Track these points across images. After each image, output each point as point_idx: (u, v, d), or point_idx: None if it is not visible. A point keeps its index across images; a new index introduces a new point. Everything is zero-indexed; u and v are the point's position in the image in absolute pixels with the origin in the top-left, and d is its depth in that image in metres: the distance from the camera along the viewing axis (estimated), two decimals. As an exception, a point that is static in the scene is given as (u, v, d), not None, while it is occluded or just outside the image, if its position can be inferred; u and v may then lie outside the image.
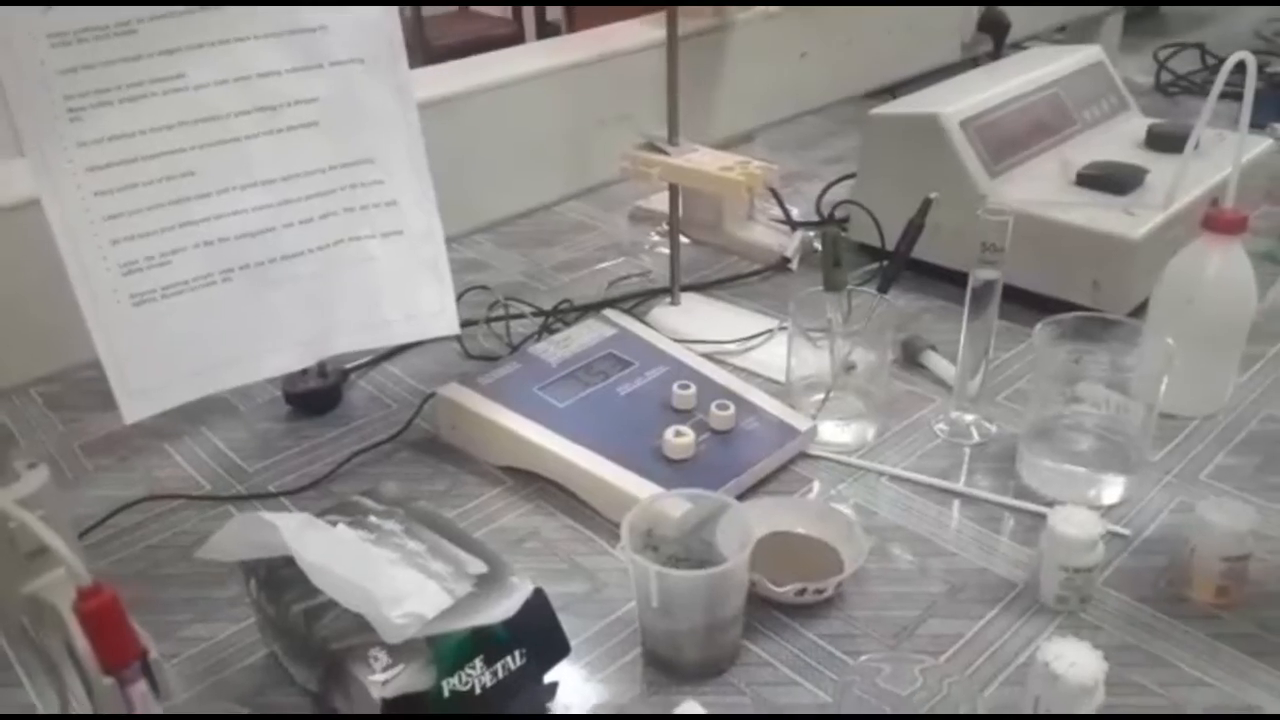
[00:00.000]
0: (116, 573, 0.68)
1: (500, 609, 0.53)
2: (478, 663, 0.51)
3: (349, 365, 0.90)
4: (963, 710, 0.53)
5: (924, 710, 0.55)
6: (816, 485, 0.76)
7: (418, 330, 0.73)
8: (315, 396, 0.86)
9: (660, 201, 1.15)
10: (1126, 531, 0.69)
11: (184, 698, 0.58)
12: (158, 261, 0.59)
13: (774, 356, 0.88)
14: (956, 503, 0.73)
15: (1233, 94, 0.78)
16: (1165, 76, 1.57)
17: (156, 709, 0.38)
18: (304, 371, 0.86)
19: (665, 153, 0.88)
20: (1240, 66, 0.76)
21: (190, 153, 0.58)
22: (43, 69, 0.53)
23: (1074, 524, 0.61)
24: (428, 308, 0.71)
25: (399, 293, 0.69)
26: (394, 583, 0.53)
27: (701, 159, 0.88)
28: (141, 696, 0.37)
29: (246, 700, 0.59)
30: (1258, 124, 1.27)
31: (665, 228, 1.14)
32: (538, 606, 0.54)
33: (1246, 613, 0.62)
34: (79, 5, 0.53)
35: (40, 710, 0.58)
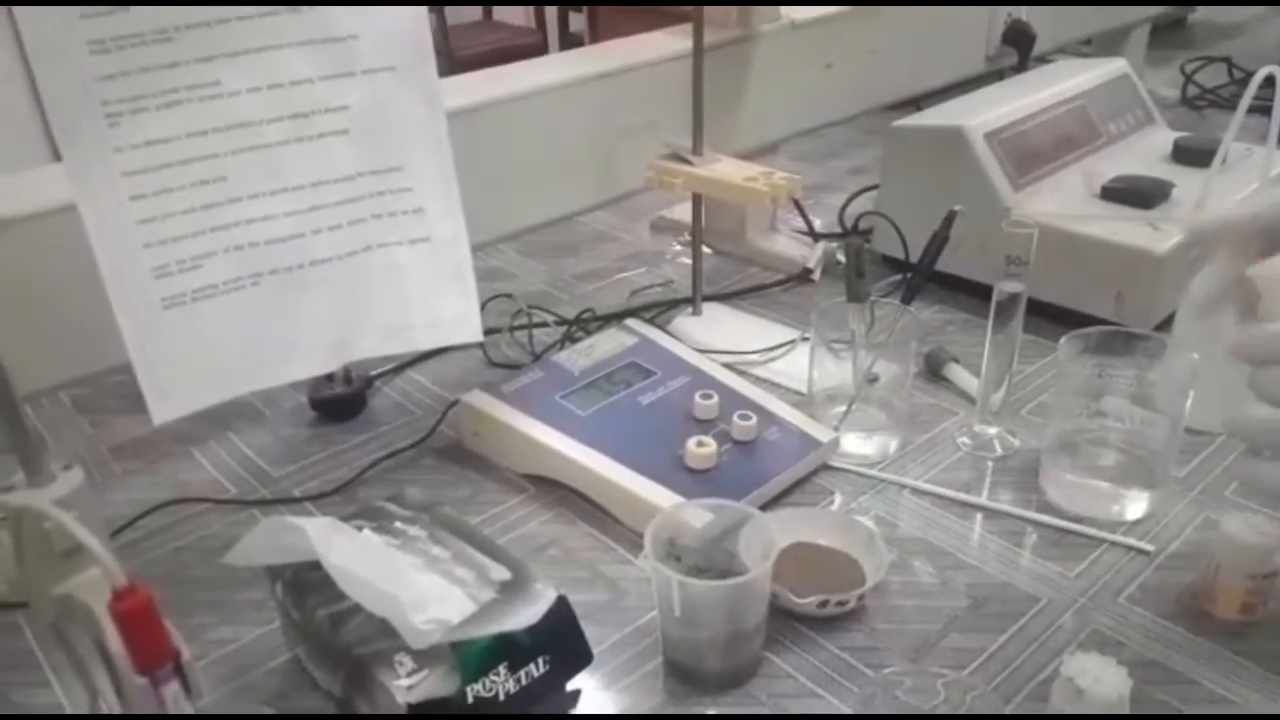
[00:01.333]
0: (143, 575, 0.69)
1: (524, 616, 0.53)
2: (501, 669, 0.52)
3: (374, 372, 0.91)
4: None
5: (946, 724, 0.55)
6: (838, 497, 0.76)
7: (442, 337, 0.74)
8: (340, 403, 0.87)
9: (682, 211, 1.16)
10: (1150, 548, 0.69)
11: (209, 699, 0.59)
12: (189, 265, 0.60)
13: (795, 367, 0.88)
14: (979, 516, 0.73)
15: (1261, 108, 0.78)
16: (1192, 90, 1.57)
17: (189, 709, 0.38)
18: (329, 378, 0.87)
19: (689, 163, 0.89)
20: (1270, 80, 0.76)
21: (223, 158, 0.59)
22: (82, 75, 0.54)
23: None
24: (452, 314, 0.71)
25: (424, 299, 0.70)
26: (418, 588, 0.53)
27: (725, 169, 0.88)
28: (174, 697, 0.38)
29: (270, 703, 0.59)
30: (1285, 138, 1.26)
31: (687, 238, 1.15)
32: (561, 614, 0.54)
33: (1272, 630, 0.62)
34: (118, 5, 0.54)
35: (68, 710, 0.58)
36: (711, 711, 0.56)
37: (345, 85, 0.62)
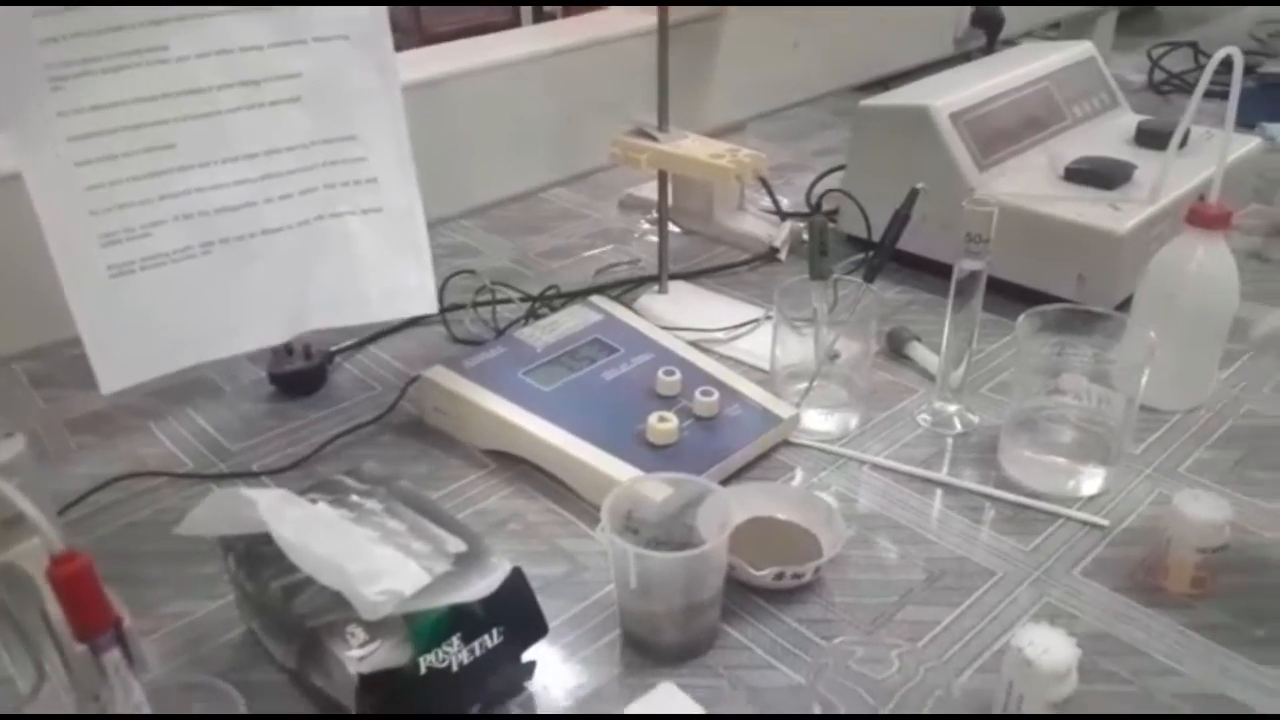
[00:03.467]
0: (97, 549, 0.68)
1: (478, 588, 0.53)
2: (455, 640, 0.51)
3: (334, 348, 0.90)
4: (937, 694, 0.53)
5: (898, 695, 0.55)
6: (799, 473, 0.76)
7: (396, 308, 0.73)
8: (300, 378, 0.86)
9: (650, 190, 1.16)
10: (1105, 522, 0.69)
11: (161, 671, 0.58)
12: (137, 233, 0.59)
13: (760, 345, 0.89)
14: (938, 492, 0.74)
15: (1224, 93, 0.79)
16: (1158, 75, 1.58)
17: (131, 679, 0.38)
18: (289, 353, 0.86)
19: (655, 139, 0.88)
20: (1230, 64, 0.76)
21: (171, 125, 0.58)
22: (25, 38, 0.53)
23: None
24: (407, 286, 0.71)
25: (378, 270, 0.69)
26: (372, 560, 0.53)
27: (691, 146, 0.88)
28: (115, 664, 0.37)
29: (224, 676, 0.58)
30: (1248, 123, 1.27)
31: (655, 216, 1.14)
32: (516, 586, 0.54)
33: (1220, 603, 0.63)
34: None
35: (18, 682, 0.58)
36: (667, 682, 0.57)
37: (297, 52, 0.61)
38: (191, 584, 0.65)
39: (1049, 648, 0.51)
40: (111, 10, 0.54)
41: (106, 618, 0.36)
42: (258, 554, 0.56)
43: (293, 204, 0.63)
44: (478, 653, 0.52)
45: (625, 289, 1.00)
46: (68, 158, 0.56)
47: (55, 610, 0.37)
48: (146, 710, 0.39)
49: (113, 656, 0.37)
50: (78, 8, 0.53)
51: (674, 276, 1.00)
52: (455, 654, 0.51)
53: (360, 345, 0.92)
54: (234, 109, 0.60)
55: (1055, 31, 1.64)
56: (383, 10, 0.63)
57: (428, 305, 0.73)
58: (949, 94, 1.00)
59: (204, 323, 0.64)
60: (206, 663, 0.60)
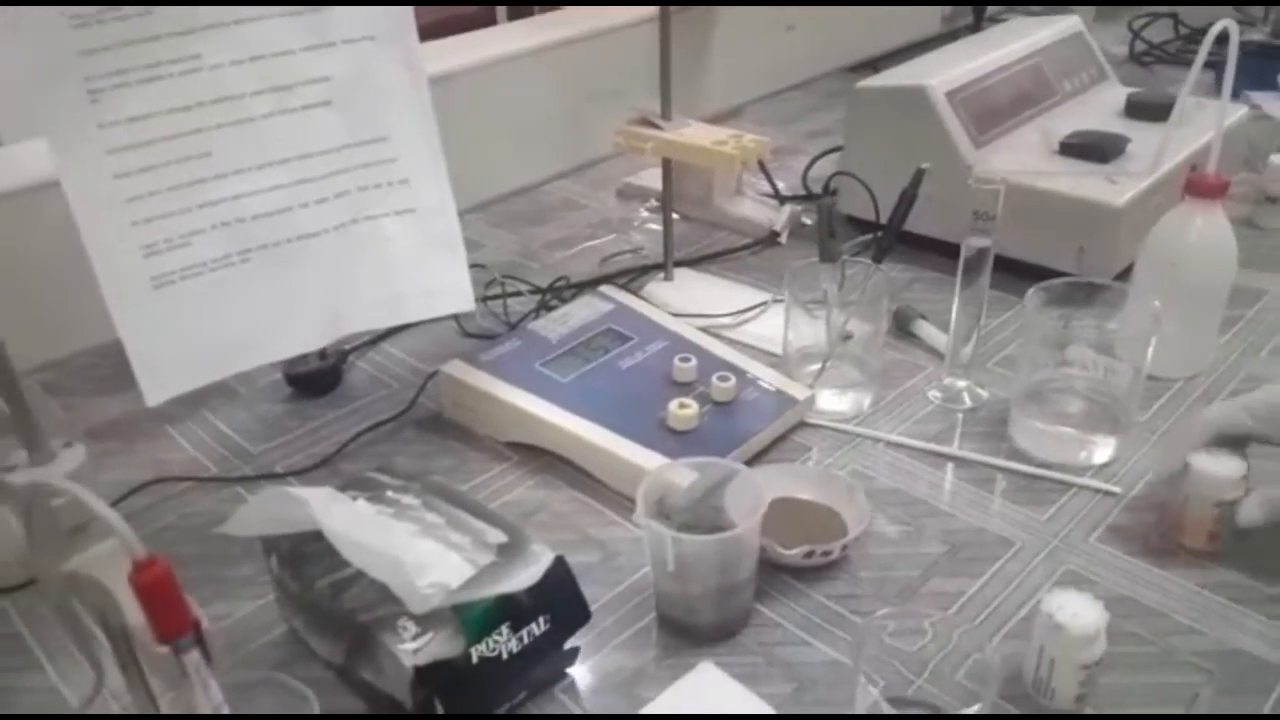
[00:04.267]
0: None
1: (523, 577, 0.54)
2: (504, 629, 0.53)
3: (348, 346, 0.91)
4: (974, 658, 0.55)
5: (933, 662, 0.57)
6: (815, 453, 0.77)
7: (434, 307, 0.74)
8: (316, 378, 0.87)
9: (649, 178, 1.17)
10: (1117, 489, 0.71)
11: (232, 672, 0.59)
12: (177, 243, 0.59)
13: (767, 329, 0.90)
14: (951, 466, 0.76)
15: (1208, 63, 0.80)
16: (1139, 46, 1.60)
17: (209, 677, 0.39)
18: (304, 353, 0.86)
19: (658, 128, 0.89)
20: (1222, 35, 0.78)
21: (207, 133, 0.59)
22: (64, 51, 0.53)
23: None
24: (443, 284, 0.72)
25: (414, 270, 0.70)
26: (417, 553, 0.54)
27: (694, 134, 0.89)
28: (195, 664, 0.38)
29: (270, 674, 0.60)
30: (1234, 92, 1.29)
31: (655, 204, 1.15)
32: (559, 574, 0.55)
33: (1233, 562, 0.65)
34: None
35: (62, 691, 0.59)
36: (705, 661, 0.58)
37: (326, 55, 0.61)
38: (228, 586, 0.66)
39: (1078, 611, 0.53)
40: (146, 21, 0.54)
41: (188, 619, 0.37)
42: (302, 553, 0.57)
43: (327, 208, 0.64)
44: (526, 641, 0.54)
45: (631, 277, 1.01)
46: (108, 170, 0.56)
47: (134, 614, 0.38)
48: (226, 709, 0.40)
49: (193, 657, 0.38)
50: (114, 20, 0.53)
51: (678, 263, 1.01)
52: (505, 643, 0.53)
53: (373, 343, 0.93)
54: (267, 115, 0.60)
55: (1039, 7, 1.65)
56: (408, 9, 0.64)
57: (465, 303, 0.73)
58: (944, 72, 1.01)
59: (245, 330, 0.64)
60: (251, 662, 0.61)
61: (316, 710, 0.48)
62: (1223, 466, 0.64)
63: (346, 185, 0.64)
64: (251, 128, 0.60)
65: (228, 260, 0.61)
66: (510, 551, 0.56)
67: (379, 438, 0.81)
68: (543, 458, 0.77)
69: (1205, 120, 1.02)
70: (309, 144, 0.62)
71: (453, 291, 0.72)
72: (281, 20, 0.59)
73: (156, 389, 0.61)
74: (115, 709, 0.57)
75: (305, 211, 0.63)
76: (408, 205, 0.67)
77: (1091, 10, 1.67)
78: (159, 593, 0.36)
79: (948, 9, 1.36)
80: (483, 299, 0.97)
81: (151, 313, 0.60)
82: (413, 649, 0.51)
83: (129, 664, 0.46)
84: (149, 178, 0.57)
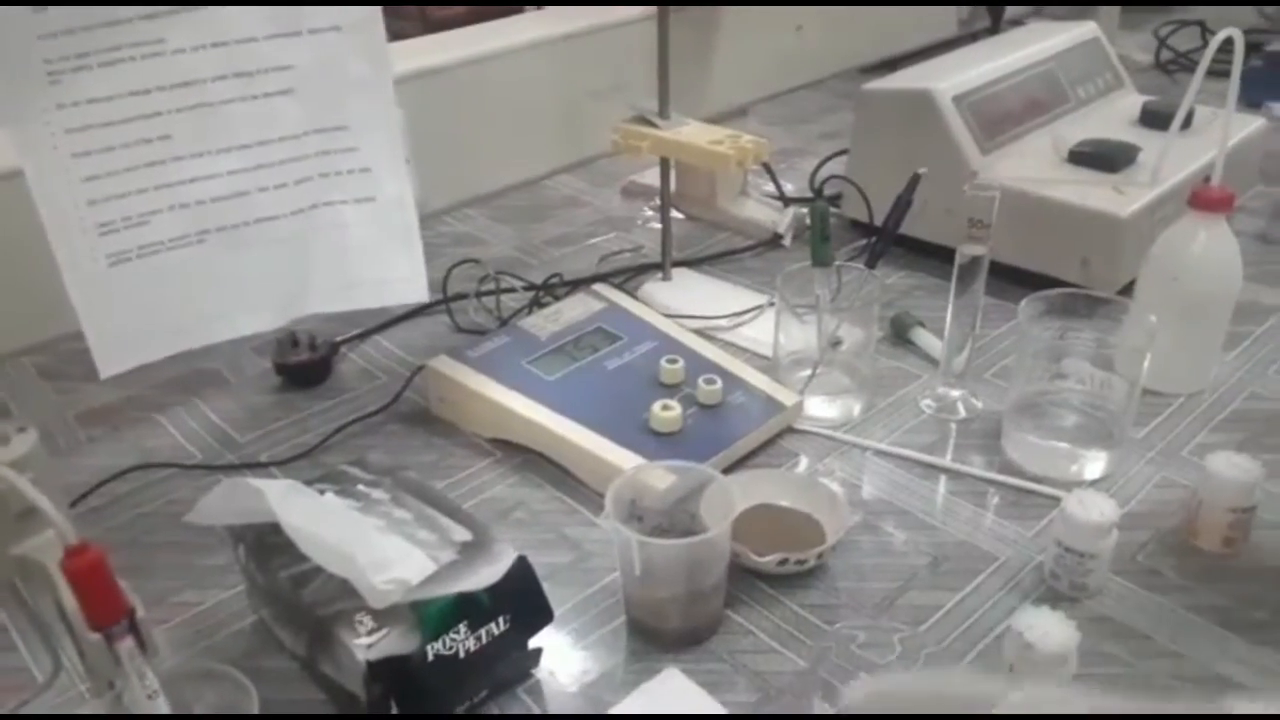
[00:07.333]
0: (108, 540, 0.69)
1: (484, 575, 0.53)
2: (461, 628, 0.52)
3: (339, 338, 0.91)
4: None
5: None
6: (803, 460, 0.76)
7: (388, 296, 0.75)
8: (305, 369, 0.86)
9: (653, 177, 1.16)
10: (1107, 506, 0.70)
11: (174, 660, 0.59)
12: (134, 222, 0.60)
13: (763, 332, 0.89)
14: (942, 477, 0.74)
15: (1227, 71, 0.78)
16: (1165, 54, 1.57)
17: (145, 666, 0.39)
18: (294, 344, 0.86)
19: (656, 126, 0.88)
20: (1232, 43, 0.76)
21: (167, 116, 0.59)
22: (23, 32, 0.53)
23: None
24: (398, 274, 0.72)
25: (370, 258, 0.70)
26: (380, 549, 0.53)
27: (692, 133, 0.88)
28: (129, 652, 0.38)
29: (236, 664, 0.59)
30: (1254, 102, 1.27)
31: (657, 203, 1.14)
32: (521, 573, 0.55)
33: (1219, 587, 0.63)
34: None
35: (34, 670, 0.59)
36: (672, 667, 0.57)
37: (291, 44, 0.61)
38: (202, 574, 0.66)
39: (1049, 631, 0.52)
40: (109, 5, 0.54)
41: (119, 607, 0.37)
42: (267, 544, 0.57)
43: (286, 193, 0.64)
44: (484, 640, 0.53)
45: (628, 276, 1.01)
46: (66, 149, 0.57)
47: (69, 600, 0.38)
48: (161, 697, 0.40)
49: (126, 645, 0.38)
50: (75, 4, 0.53)
51: (677, 263, 1.00)
52: (462, 641, 0.52)
53: (365, 335, 0.93)
54: (228, 100, 0.61)
55: (1062, 10, 1.63)
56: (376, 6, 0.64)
57: (418, 294, 0.74)
58: (952, 76, 1.00)
59: (199, 309, 0.65)
60: (218, 651, 0.61)
61: (256, 704, 0.47)
62: (1238, 470, 0.63)
63: (306, 171, 0.65)
64: (212, 112, 0.60)
65: (185, 240, 0.62)
66: (473, 550, 0.55)
67: (363, 430, 0.80)
68: (525, 455, 0.76)
69: (1219, 131, 1.00)
70: (269, 130, 0.63)
71: (408, 282, 0.73)
72: (247, 8, 0.59)
73: (110, 362, 0.62)
74: (81, 689, 0.57)
75: (264, 195, 0.64)
76: (367, 194, 0.67)
77: (1116, 17, 1.64)
78: (89, 579, 0.36)
79: (965, 12, 1.34)
80: (477, 294, 0.96)
81: (106, 288, 0.61)
82: (367, 644, 0.50)
83: (82, 647, 0.46)
84: (107, 158, 0.58)
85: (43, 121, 0.56)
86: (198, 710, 0.47)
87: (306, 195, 0.66)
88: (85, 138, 0.57)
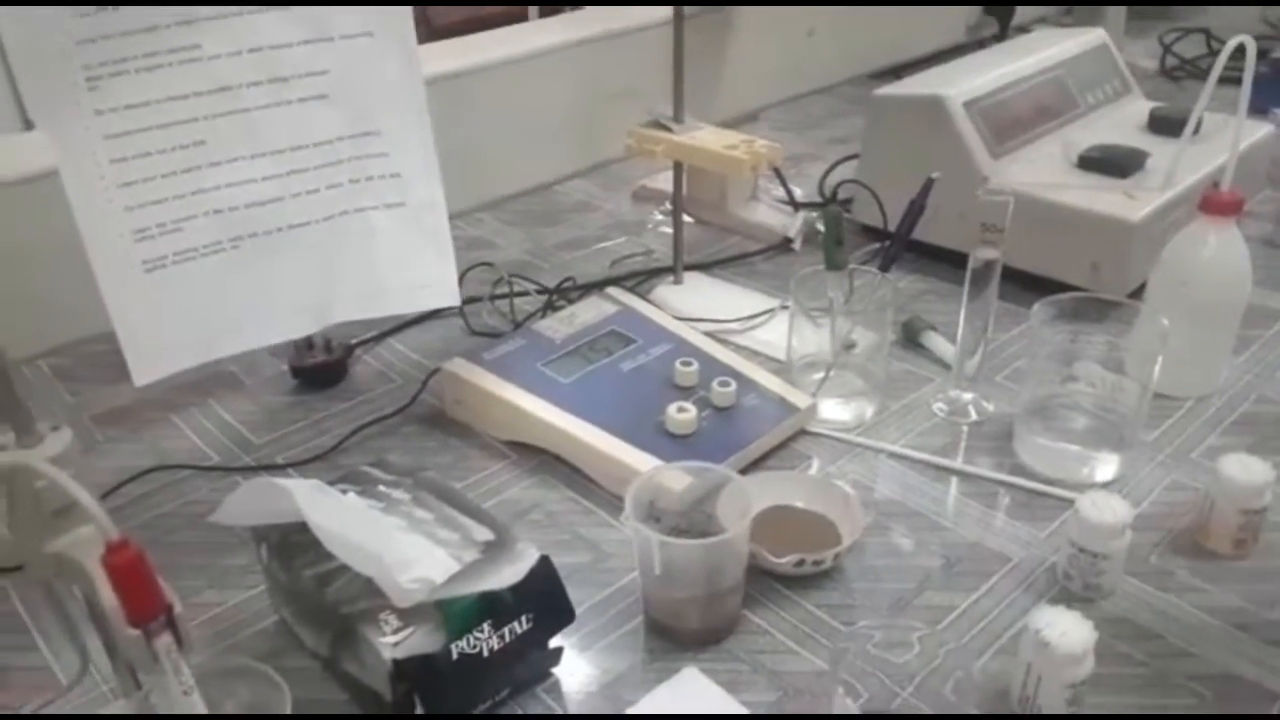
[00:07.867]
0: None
1: (507, 575, 0.54)
2: (485, 627, 0.53)
3: (354, 340, 0.91)
4: (957, 675, 0.54)
5: (919, 676, 0.56)
6: (816, 462, 0.77)
7: (418, 301, 0.74)
8: (321, 371, 0.87)
9: (664, 181, 1.16)
10: (1119, 508, 0.70)
11: (197, 659, 0.59)
12: (169, 228, 0.60)
13: (775, 335, 0.89)
14: (954, 480, 0.75)
15: (1238, 78, 0.79)
16: (1170, 61, 1.58)
17: (181, 662, 0.39)
18: (310, 346, 0.87)
19: (670, 130, 0.89)
20: (1243, 50, 0.77)
21: (202, 122, 0.60)
22: (63, 38, 0.54)
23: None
24: (428, 279, 0.72)
25: (401, 263, 0.70)
26: (404, 548, 0.54)
27: (706, 137, 0.89)
28: (166, 648, 0.38)
29: (259, 662, 0.60)
30: (1260, 109, 1.27)
31: (669, 207, 1.15)
32: (544, 573, 0.55)
33: (1232, 587, 0.64)
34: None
35: (56, 670, 0.59)
36: (690, 667, 0.58)
37: (324, 50, 0.62)
38: (222, 574, 0.67)
39: (1066, 630, 0.52)
40: (146, 12, 0.55)
41: (160, 603, 0.38)
42: (291, 544, 0.57)
43: (318, 199, 0.65)
44: (507, 639, 0.53)
45: (640, 280, 1.01)
46: (104, 155, 0.57)
47: (108, 597, 0.38)
48: (196, 694, 0.40)
49: (165, 640, 0.38)
50: (114, 10, 0.54)
51: (689, 267, 1.01)
52: (486, 640, 0.53)
53: (380, 338, 0.93)
54: (263, 106, 0.61)
55: (1068, 18, 1.64)
56: (407, 7, 0.64)
57: (450, 298, 0.74)
58: (962, 82, 1.00)
59: (232, 315, 0.65)
60: (240, 651, 0.61)
61: (289, 701, 0.48)
62: (1249, 473, 0.63)
63: (338, 177, 0.65)
64: (247, 118, 0.60)
65: (218, 247, 0.62)
66: (496, 549, 0.56)
67: (380, 432, 0.81)
68: (540, 457, 0.77)
69: (1228, 136, 1.01)
70: (303, 135, 0.63)
71: (439, 287, 0.73)
72: (281, 14, 0.60)
73: (144, 370, 0.63)
74: (104, 690, 0.57)
75: (295, 201, 0.64)
76: (398, 199, 0.68)
77: (1123, 24, 1.65)
78: (130, 575, 0.37)
79: (972, 18, 1.35)
80: (490, 298, 0.97)
81: (141, 295, 0.61)
82: (393, 642, 0.51)
83: (113, 646, 0.46)
84: (144, 164, 0.58)
85: (82, 127, 0.56)
86: (228, 707, 0.48)
87: (338, 201, 0.66)
88: (123, 144, 0.58)
